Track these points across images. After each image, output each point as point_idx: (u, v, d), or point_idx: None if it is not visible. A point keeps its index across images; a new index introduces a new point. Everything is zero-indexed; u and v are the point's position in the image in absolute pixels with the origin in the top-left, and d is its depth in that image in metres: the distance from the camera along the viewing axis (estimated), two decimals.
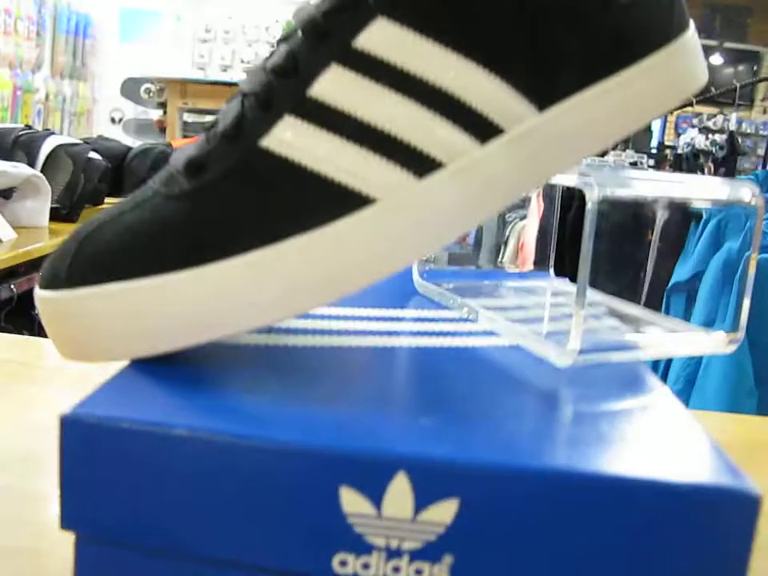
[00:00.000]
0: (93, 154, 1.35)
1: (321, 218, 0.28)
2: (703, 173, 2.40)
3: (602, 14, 0.30)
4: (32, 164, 1.29)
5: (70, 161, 1.29)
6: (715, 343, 0.36)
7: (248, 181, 0.28)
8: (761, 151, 5.46)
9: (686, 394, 1.39)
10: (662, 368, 1.48)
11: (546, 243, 0.48)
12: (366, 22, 0.29)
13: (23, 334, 1.25)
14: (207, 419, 0.24)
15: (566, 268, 0.44)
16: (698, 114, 4.99)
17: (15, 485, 0.38)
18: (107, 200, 1.52)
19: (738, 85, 2.08)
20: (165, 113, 2.63)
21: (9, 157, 1.29)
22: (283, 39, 0.31)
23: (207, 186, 0.28)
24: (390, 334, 0.35)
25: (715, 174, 2.37)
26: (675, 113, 6.67)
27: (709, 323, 1.17)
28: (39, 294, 0.29)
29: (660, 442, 0.26)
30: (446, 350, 0.34)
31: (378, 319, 0.37)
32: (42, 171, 1.29)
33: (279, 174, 0.28)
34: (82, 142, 1.37)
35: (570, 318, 0.33)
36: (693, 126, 5.62)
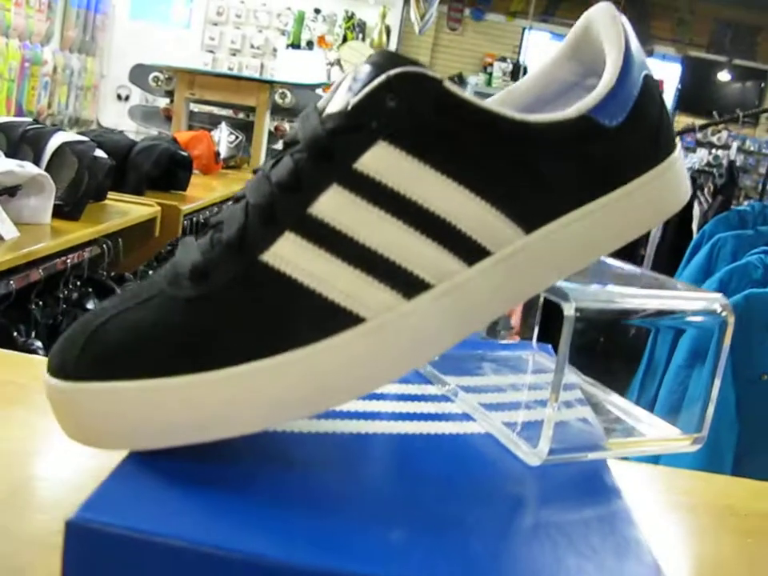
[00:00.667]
0: (98, 152, 1.36)
1: (314, 335, 0.30)
2: (700, 200, 2.42)
3: (590, 142, 0.32)
4: (38, 160, 1.31)
5: (76, 159, 1.31)
6: (680, 444, 0.38)
7: (248, 294, 0.30)
8: (762, 170, 5.48)
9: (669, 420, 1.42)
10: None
11: (530, 311, 0.50)
12: (368, 145, 0.30)
13: (19, 328, 1.27)
14: (192, 529, 0.26)
15: (550, 332, 0.46)
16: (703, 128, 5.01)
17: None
18: (109, 194, 1.53)
19: (740, 114, 2.10)
20: (171, 101, 2.63)
21: (16, 151, 1.31)
22: (288, 145, 0.32)
23: (210, 294, 0.30)
24: (370, 416, 0.37)
25: (713, 199, 2.40)
26: (680, 124, 6.68)
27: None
28: (48, 381, 0.30)
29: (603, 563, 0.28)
30: (423, 439, 0.36)
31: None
32: (47, 167, 1.31)
33: (277, 289, 0.30)
34: (88, 139, 1.38)
35: (544, 406, 0.35)
36: (696, 143, 5.63)
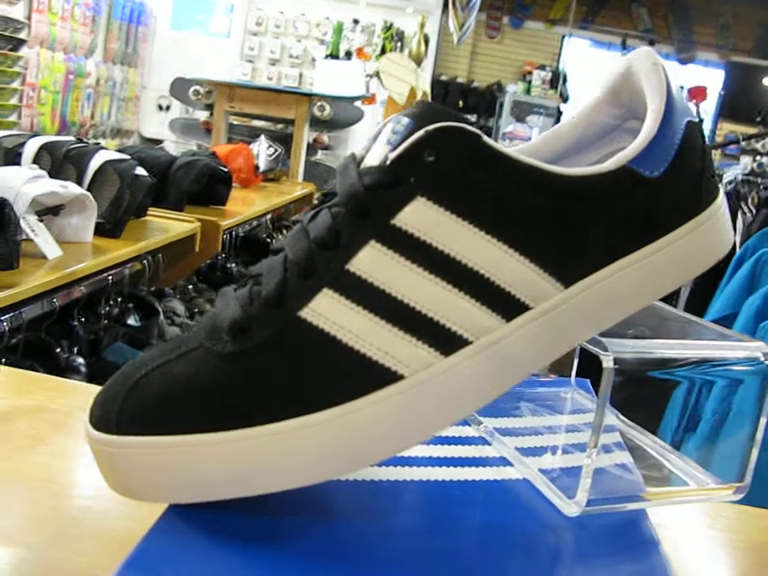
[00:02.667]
0: (139, 170, 1.38)
1: (352, 392, 0.29)
2: (743, 210, 2.38)
3: (631, 194, 0.32)
4: (80, 178, 1.32)
5: (117, 177, 1.32)
6: (723, 494, 0.38)
7: (287, 350, 0.30)
8: None
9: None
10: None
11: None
12: (406, 200, 0.30)
13: (61, 344, 1.29)
14: None
15: (589, 368, 0.45)
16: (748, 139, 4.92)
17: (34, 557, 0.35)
18: (150, 210, 1.55)
19: None
20: (211, 114, 2.66)
21: (59, 170, 1.33)
22: (326, 198, 0.32)
23: (249, 350, 0.30)
24: (405, 462, 0.37)
25: (757, 211, 2.36)
26: (723, 131, 6.58)
27: None
28: (91, 433, 0.30)
29: None
30: (459, 487, 0.36)
31: None
32: (89, 186, 1.33)
33: (315, 345, 0.30)
34: (129, 157, 1.40)
35: (582, 450, 0.35)
36: (740, 150, 5.54)
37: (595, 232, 0.32)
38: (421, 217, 0.30)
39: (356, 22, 6.23)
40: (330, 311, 0.30)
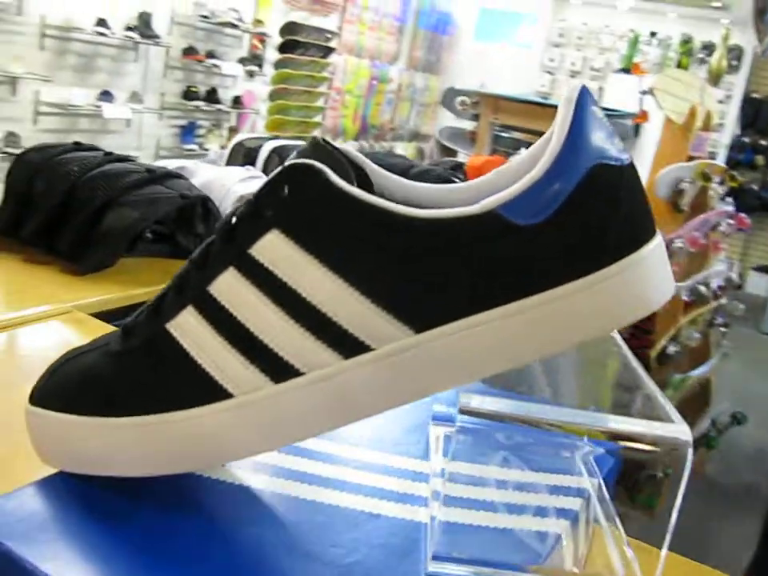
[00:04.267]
0: None
1: (192, 402, 0.32)
2: None
3: (497, 242, 0.29)
4: None
5: None
6: None
7: (153, 356, 0.33)
8: None
9: None
10: None
11: None
12: (262, 232, 0.31)
13: None
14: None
15: None
16: None
17: None
18: None
19: None
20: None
21: None
22: (219, 228, 0.34)
23: (129, 352, 0.33)
24: (324, 483, 0.36)
25: None
26: None
27: None
28: (26, 404, 0.35)
29: None
30: (341, 514, 0.34)
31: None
32: None
33: (172, 355, 0.32)
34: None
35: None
36: None
37: (454, 279, 0.29)
38: (272, 248, 0.31)
39: (653, 34, 5.94)
40: (189, 327, 0.32)
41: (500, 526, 0.35)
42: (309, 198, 0.30)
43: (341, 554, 0.32)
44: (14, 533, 0.30)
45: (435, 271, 0.29)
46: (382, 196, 0.36)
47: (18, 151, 3.44)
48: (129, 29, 3.72)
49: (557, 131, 0.29)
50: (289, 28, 4.77)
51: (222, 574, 0.30)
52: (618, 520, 0.36)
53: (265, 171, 1.48)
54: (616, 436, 0.31)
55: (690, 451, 0.30)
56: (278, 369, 0.31)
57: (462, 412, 0.30)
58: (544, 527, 0.35)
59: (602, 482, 0.38)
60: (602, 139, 0.30)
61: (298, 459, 0.38)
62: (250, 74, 4.69)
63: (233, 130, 4.81)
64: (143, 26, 3.80)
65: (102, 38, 3.61)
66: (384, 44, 5.58)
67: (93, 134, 3.90)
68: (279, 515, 0.34)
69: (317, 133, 5.36)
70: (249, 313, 0.31)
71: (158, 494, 0.34)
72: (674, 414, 0.31)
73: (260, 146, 1.50)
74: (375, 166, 0.36)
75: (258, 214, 0.31)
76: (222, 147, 4.89)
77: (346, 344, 0.30)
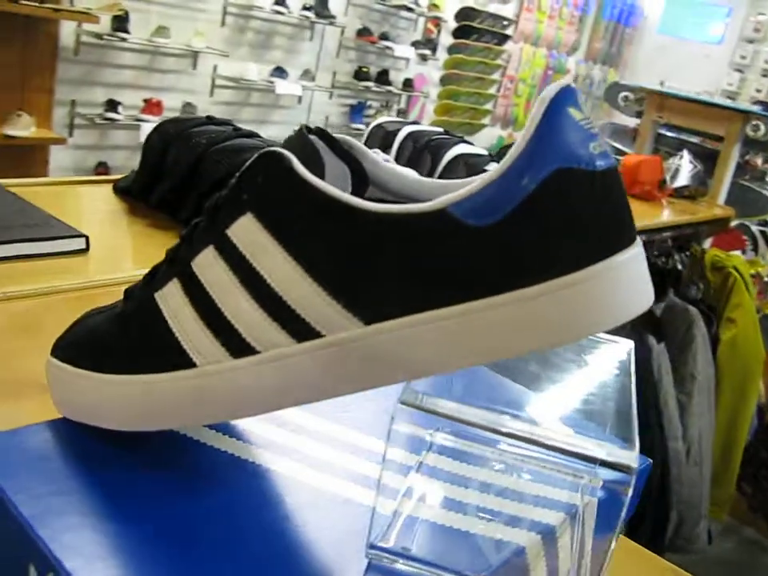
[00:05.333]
0: (489, 166, 1.43)
1: (164, 366, 0.34)
2: None
3: (444, 242, 0.28)
4: (433, 168, 1.42)
5: (465, 169, 1.39)
6: None
7: (138, 321, 0.35)
8: None
9: None
10: None
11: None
12: (239, 215, 0.32)
13: None
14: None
15: None
16: None
17: None
18: None
19: None
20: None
21: (418, 157, 1.44)
22: (207, 207, 0.35)
23: (124, 315, 0.36)
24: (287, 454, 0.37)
25: None
26: None
27: None
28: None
29: None
30: (302, 488, 0.35)
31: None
32: (440, 174, 1.41)
33: (154, 321, 0.34)
34: (486, 153, 1.46)
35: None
36: None
37: (401, 275, 0.28)
38: (244, 231, 0.32)
39: None
40: (171, 298, 0.34)
41: (461, 528, 0.34)
42: (275, 185, 0.31)
43: (304, 532, 0.33)
44: (6, 469, 0.33)
45: (383, 266, 0.29)
46: (379, 188, 0.36)
47: None
48: (306, 8, 3.84)
49: (523, 131, 0.28)
50: (465, 13, 4.76)
51: (177, 527, 0.32)
52: (588, 548, 0.35)
53: (398, 155, 1.49)
54: (555, 449, 0.30)
55: (632, 480, 0.28)
56: (237, 345, 0.32)
57: (402, 403, 0.30)
58: (507, 537, 0.34)
59: (593, 503, 0.37)
60: (573, 143, 0.28)
61: (281, 431, 0.39)
62: (423, 58, 4.72)
63: (401, 112, 4.87)
64: (320, 6, 3.91)
65: (279, 16, 3.75)
66: (563, 33, 5.46)
67: (264, 108, 4.07)
68: (250, 482, 0.35)
69: (486, 121, 5.32)
70: (219, 290, 0.32)
71: (146, 446, 0.36)
72: (634, 439, 0.30)
73: (398, 130, 1.52)
74: (376, 158, 0.35)
75: (237, 197, 0.32)
76: None
77: (300, 328, 0.30)
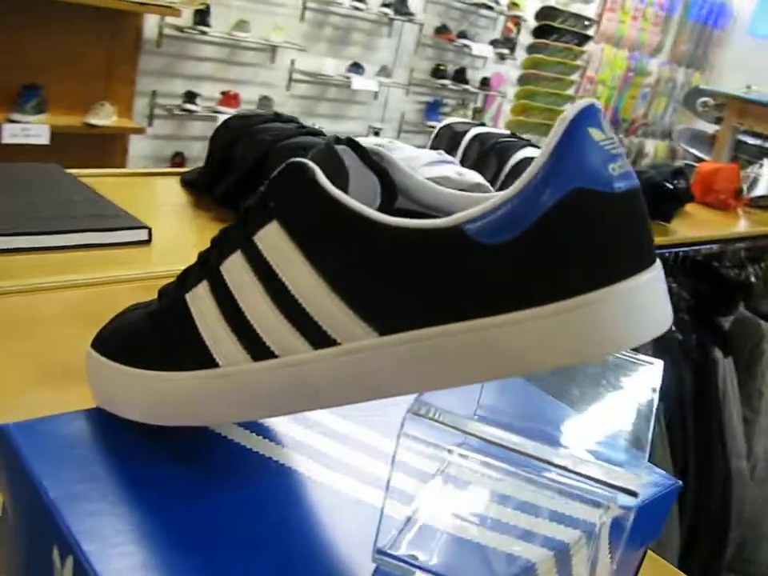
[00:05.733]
0: None
1: (191, 365, 0.35)
2: None
3: (456, 258, 0.28)
4: (499, 171, 1.41)
5: None
6: None
7: (168, 320, 0.37)
8: None
9: None
10: None
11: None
12: (265, 222, 0.33)
13: None
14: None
15: None
16: None
17: None
18: None
19: None
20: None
21: (483, 159, 1.44)
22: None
23: (156, 313, 0.37)
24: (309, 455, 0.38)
25: None
26: None
27: None
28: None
29: None
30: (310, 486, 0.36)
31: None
32: (505, 178, 1.41)
33: (183, 320, 0.36)
34: None
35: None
36: None
37: (414, 288, 0.29)
38: (270, 239, 0.33)
39: None
40: (198, 298, 0.35)
41: (473, 540, 0.34)
42: (299, 195, 0.32)
43: (321, 531, 0.34)
44: (40, 453, 0.35)
45: (397, 279, 0.29)
46: (409, 199, 0.37)
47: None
48: (385, 5, 3.85)
49: (542, 151, 0.28)
50: (545, 13, 4.70)
51: (195, 520, 0.33)
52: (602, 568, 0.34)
53: (465, 156, 1.49)
54: (564, 468, 0.30)
55: (631, 516, 0.28)
56: (258, 348, 0.33)
57: (411, 413, 0.30)
58: (519, 551, 0.34)
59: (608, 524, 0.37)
60: (591, 163, 0.28)
61: (309, 432, 0.40)
62: (501, 57, 4.68)
63: (477, 111, 4.85)
64: (399, 3, 3.91)
65: (358, 12, 3.77)
66: (646, 34, 5.34)
67: (340, 103, 4.10)
68: (273, 480, 0.36)
69: None
70: (244, 294, 0.33)
71: (175, 440, 0.37)
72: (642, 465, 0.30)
73: (466, 131, 1.51)
74: (404, 169, 0.36)
75: (264, 204, 0.33)
76: None
77: (317, 335, 0.31)
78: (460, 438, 0.38)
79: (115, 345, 0.39)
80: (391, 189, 0.36)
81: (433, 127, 4.40)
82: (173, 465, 0.36)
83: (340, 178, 0.33)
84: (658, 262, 0.30)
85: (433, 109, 4.54)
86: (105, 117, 3.04)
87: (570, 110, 0.29)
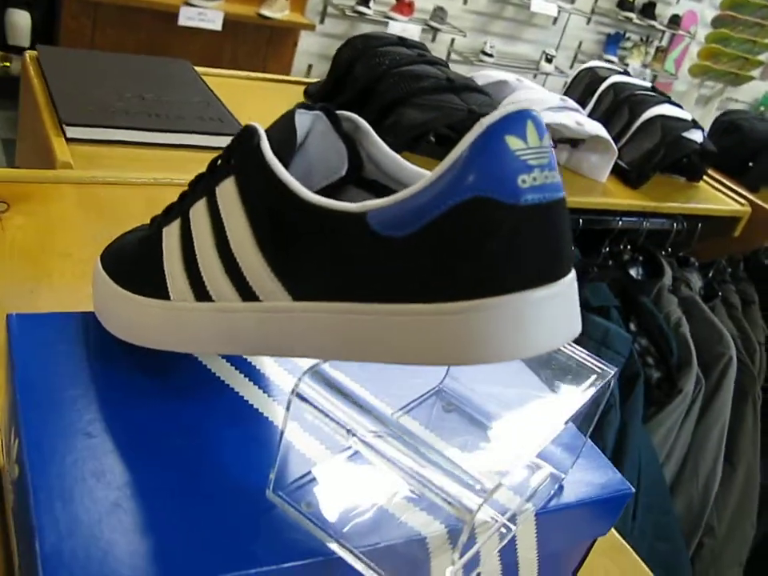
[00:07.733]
0: (689, 134, 1.35)
1: (153, 292, 0.39)
2: None
3: (356, 242, 0.30)
4: (628, 125, 1.36)
5: (660, 132, 1.32)
6: None
7: (146, 246, 0.40)
8: None
9: None
10: None
11: None
12: (225, 176, 0.35)
13: None
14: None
15: None
16: None
17: None
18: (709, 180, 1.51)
19: None
20: None
21: (615, 110, 1.39)
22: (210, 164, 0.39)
23: (143, 239, 0.41)
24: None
25: None
26: None
27: None
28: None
29: None
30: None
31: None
32: (634, 132, 1.36)
33: (154, 251, 0.39)
34: (689, 120, 1.37)
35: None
36: None
37: (322, 263, 0.31)
38: (225, 191, 0.35)
39: None
40: (168, 235, 0.39)
41: (370, 504, 0.36)
42: (246, 156, 0.34)
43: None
44: (28, 344, 0.40)
45: (309, 252, 0.31)
46: (377, 168, 0.38)
47: (441, 26, 3.64)
48: None
49: (453, 151, 0.29)
50: None
51: (134, 428, 0.36)
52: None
53: (598, 104, 1.44)
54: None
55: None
56: (200, 291, 0.36)
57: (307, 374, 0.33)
58: (410, 521, 0.36)
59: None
60: (498, 173, 0.28)
61: (279, 368, 0.43)
62: None
63: (661, 50, 4.59)
64: None
65: None
66: None
67: (516, 24, 3.99)
68: (216, 400, 0.40)
69: (755, 73, 4.89)
70: (199, 240, 0.36)
71: (151, 357, 0.41)
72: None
73: (606, 78, 1.46)
74: (376, 139, 0.37)
75: (228, 159, 0.35)
76: (644, 66, 4.69)
77: (245, 289, 0.34)
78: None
79: (111, 261, 0.42)
80: (358, 158, 0.37)
81: (610, 61, 4.22)
82: (138, 374, 0.40)
83: (288, 147, 0.35)
84: (569, 277, 0.30)
85: (613, 42, 4.34)
86: (278, 9, 3.11)
87: (490, 115, 0.29)
